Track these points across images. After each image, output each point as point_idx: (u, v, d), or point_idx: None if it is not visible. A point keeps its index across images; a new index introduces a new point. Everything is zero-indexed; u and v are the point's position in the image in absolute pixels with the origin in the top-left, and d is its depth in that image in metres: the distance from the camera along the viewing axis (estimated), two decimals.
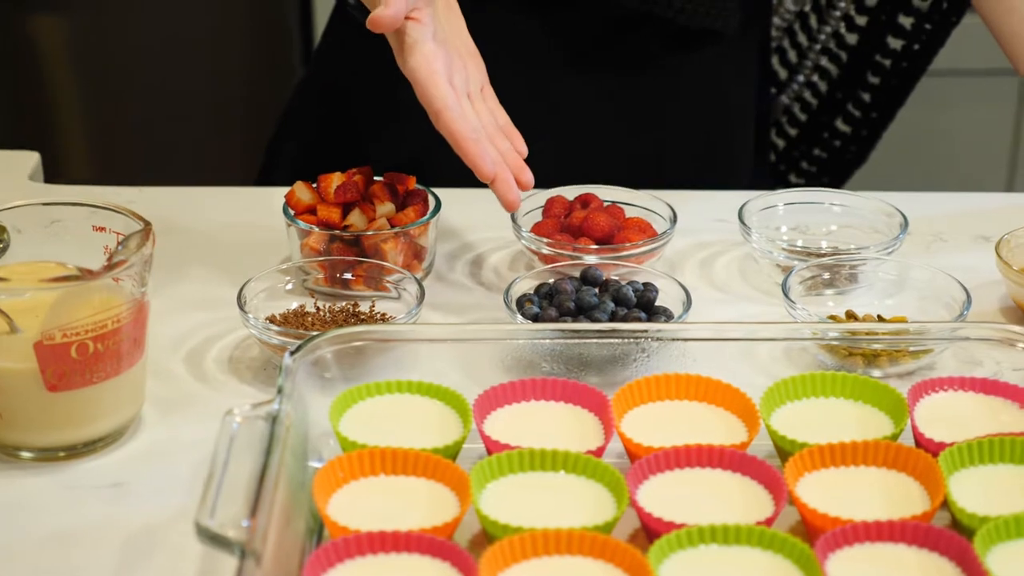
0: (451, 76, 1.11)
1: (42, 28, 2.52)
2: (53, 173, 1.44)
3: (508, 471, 0.89)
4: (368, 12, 1.11)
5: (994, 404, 0.97)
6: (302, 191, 1.19)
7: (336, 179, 1.19)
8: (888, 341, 1.04)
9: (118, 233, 0.98)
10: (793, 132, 1.65)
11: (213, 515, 0.79)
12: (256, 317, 1.06)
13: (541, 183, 1.31)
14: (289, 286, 1.13)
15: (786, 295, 1.10)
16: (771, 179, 1.65)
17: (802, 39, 1.59)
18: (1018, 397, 0.96)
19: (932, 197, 1.40)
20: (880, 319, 1.11)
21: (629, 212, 1.24)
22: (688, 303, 1.09)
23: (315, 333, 0.98)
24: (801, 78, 1.60)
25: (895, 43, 1.52)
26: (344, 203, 1.18)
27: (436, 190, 1.22)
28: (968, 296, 1.09)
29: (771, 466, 0.89)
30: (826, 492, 0.88)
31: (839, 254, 1.19)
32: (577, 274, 1.13)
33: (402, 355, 1.00)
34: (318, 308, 1.11)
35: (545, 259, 1.18)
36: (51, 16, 2.51)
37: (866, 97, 1.57)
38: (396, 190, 1.20)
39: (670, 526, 0.83)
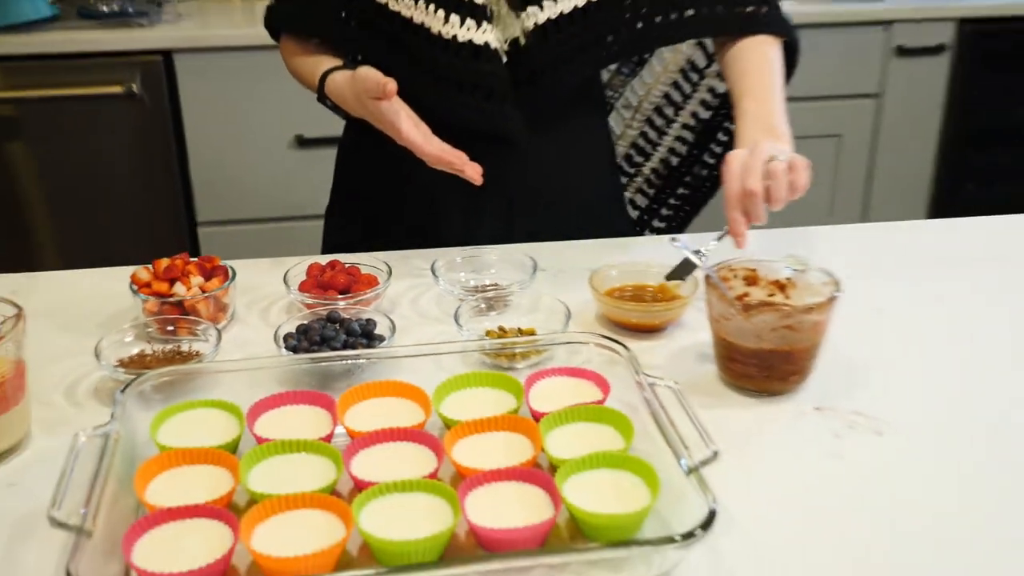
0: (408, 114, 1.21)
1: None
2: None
3: (267, 455, 0.91)
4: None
5: (580, 384, 1.02)
6: (141, 273, 1.19)
7: (164, 263, 1.20)
8: (521, 348, 1.09)
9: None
10: (659, 183, 1.57)
11: (60, 507, 0.79)
12: (108, 363, 1.07)
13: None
14: (130, 337, 1.12)
15: (456, 321, 1.14)
16: (646, 216, 1.59)
17: (659, 122, 1.50)
18: (594, 379, 1.02)
19: (564, 245, 1.41)
20: (519, 331, 1.16)
21: (364, 269, 1.28)
22: (393, 330, 1.12)
23: (141, 373, 0.99)
24: (662, 148, 1.52)
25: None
26: (170, 278, 1.19)
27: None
28: (569, 313, 1.15)
29: (434, 437, 0.92)
30: (471, 451, 0.92)
31: (496, 290, 1.25)
32: (325, 315, 1.16)
33: (205, 382, 1.02)
34: (154, 351, 1.11)
35: (307, 306, 1.21)
36: None
37: (718, 150, 1.51)
38: (205, 267, 1.21)
39: (367, 484, 0.86)
